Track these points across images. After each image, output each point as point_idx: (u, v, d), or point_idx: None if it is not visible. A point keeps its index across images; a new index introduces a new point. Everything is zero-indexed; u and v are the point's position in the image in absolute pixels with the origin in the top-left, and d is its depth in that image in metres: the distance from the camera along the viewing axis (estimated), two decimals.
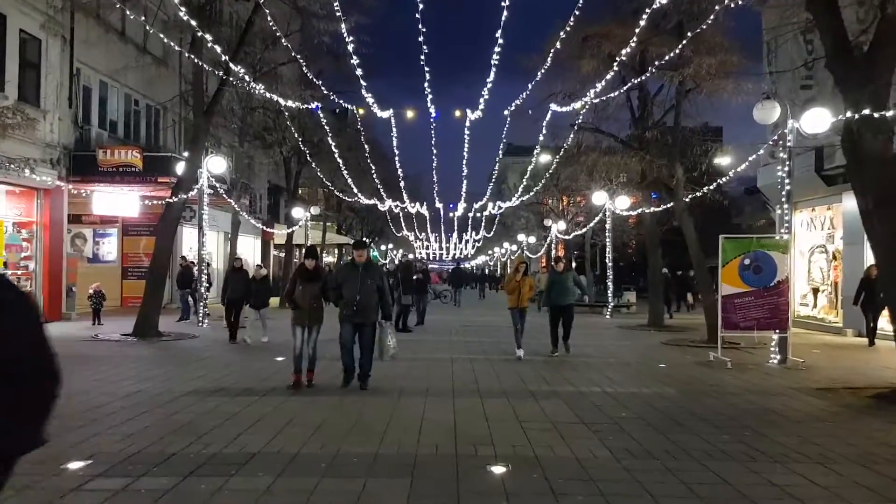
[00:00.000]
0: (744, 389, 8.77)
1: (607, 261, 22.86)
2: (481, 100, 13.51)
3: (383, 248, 61.24)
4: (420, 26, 11.59)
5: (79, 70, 19.59)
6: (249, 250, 34.63)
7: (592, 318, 22.57)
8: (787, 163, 11.43)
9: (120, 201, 20.47)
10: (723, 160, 21.01)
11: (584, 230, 26.93)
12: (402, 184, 29.72)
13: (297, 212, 26.58)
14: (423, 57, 12.19)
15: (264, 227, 28.93)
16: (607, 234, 22.59)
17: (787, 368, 10.73)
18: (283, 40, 16.76)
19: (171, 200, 14.30)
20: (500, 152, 23.91)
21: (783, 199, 11.49)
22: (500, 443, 5.77)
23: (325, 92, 16.37)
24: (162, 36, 15.07)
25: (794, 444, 5.91)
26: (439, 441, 5.80)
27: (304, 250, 8.01)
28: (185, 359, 10.95)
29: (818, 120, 10.90)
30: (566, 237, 30.94)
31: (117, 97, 21.80)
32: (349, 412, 6.98)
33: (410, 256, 40.80)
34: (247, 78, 14.59)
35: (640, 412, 7.22)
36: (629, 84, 14.20)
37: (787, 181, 11.44)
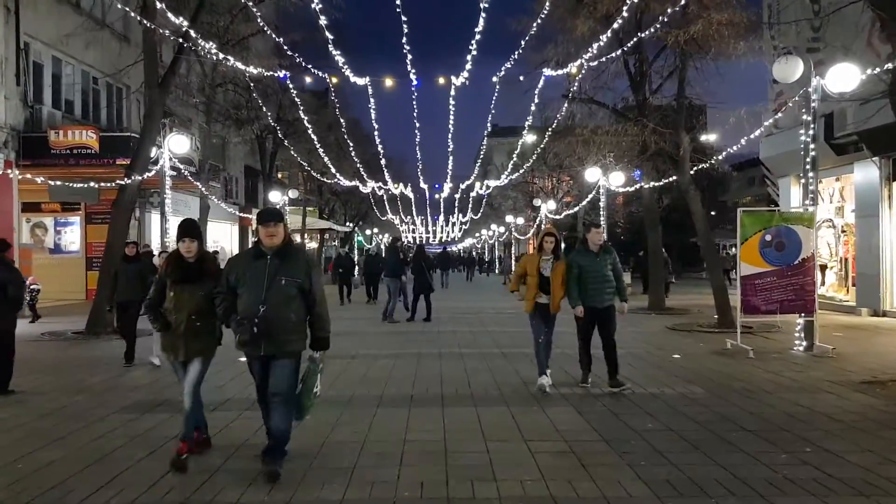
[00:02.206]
0: (778, 385, 7.59)
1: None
2: (467, 64, 12.12)
3: (368, 232, 59.75)
4: None
5: (27, 44, 17.90)
6: (226, 237, 33.10)
7: None
8: (812, 126, 10.19)
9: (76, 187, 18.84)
10: (710, 136, 19.83)
11: (577, 209, 25.67)
12: (382, 162, 28.20)
13: (274, 195, 25.04)
14: (399, 8, 10.73)
15: (241, 213, 27.34)
16: (601, 213, 21.35)
17: (815, 357, 9.59)
18: (251, 5, 15.22)
19: (123, 183, 12.81)
20: (488, 125, 22.45)
21: (807, 167, 10.26)
22: (503, 476, 4.51)
23: (299, 61, 14.84)
24: (109, 0, 13.49)
25: (872, 464, 4.72)
26: (425, 475, 4.54)
27: (178, 227, 4.98)
28: (136, 360, 9.58)
29: (846, 76, 9.70)
30: (556, 217, 29.72)
31: (73, 74, 20.09)
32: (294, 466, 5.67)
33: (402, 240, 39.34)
34: (206, 45, 13.02)
35: (668, 421, 6.00)
36: (629, 43, 12.82)
37: (811, 146, 10.21)
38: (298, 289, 4.50)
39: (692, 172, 13.90)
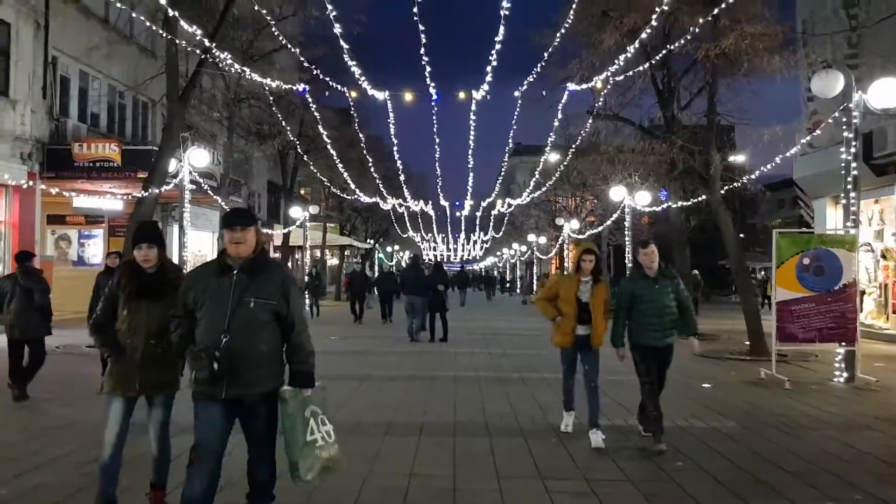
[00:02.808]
0: (818, 421, 7.02)
1: (627, 261, 21.07)
2: (487, 76, 11.80)
3: (389, 249, 59.63)
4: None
5: (55, 58, 18.11)
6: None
7: (612, 323, 20.81)
8: (854, 143, 9.65)
9: (99, 199, 18.94)
10: (739, 156, 19.19)
11: (601, 228, 25.13)
12: (402, 177, 27.99)
13: (295, 211, 24.97)
14: (419, 23, 10.51)
15: (264, 229, 27.31)
16: (626, 233, 20.81)
17: (857, 389, 8.95)
18: (270, 21, 15.21)
19: (141, 195, 12.70)
20: (509, 142, 22.12)
21: (849, 188, 9.70)
22: None
23: (318, 74, 14.71)
24: (135, 15, 13.54)
25: None
26: None
27: (134, 230, 4.14)
28: None
29: (890, 91, 9.16)
30: (580, 237, 29.18)
31: (100, 88, 20.30)
32: None
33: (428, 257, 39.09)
34: (227, 59, 12.95)
35: (699, 459, 5.49)
36: (657, 56, 12.39)
37: (853, 165, 9.66)
38: (272, 313, 3.49)
39: (722, 192, 13.36)
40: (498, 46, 11.22)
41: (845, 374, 9.33)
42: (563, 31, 11.89)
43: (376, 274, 35.21)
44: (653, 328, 5.86)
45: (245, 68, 13.51)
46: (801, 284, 9.58)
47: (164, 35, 12.48)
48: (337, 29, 11.22)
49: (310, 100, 16.87)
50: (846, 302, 9.55)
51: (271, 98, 17.24)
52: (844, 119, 9.76)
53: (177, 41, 12.14)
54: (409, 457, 5.40)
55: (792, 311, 9.59)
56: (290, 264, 34.22)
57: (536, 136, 45.73)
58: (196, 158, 15.92)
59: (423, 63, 11.23)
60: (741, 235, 48.91)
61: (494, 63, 11.25)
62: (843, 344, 9.53)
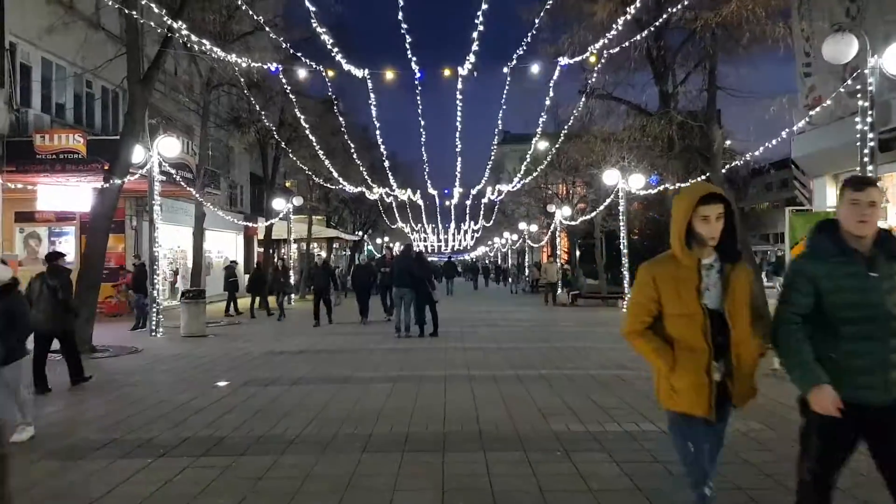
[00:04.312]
0: None
1: (622, 247, 20.37)
2: (472, 45, 10.92)
3: (379, 241, 58.67)
4: None
5: (13, 45, 17.02)
6: (231, 248, 32.12)
7: (608, 311, 20.17)
8: (870, 112, 8.90)
9: (67, 194, 17.94)
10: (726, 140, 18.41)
11: (594, 214, 24.36)
12: (386, 163, 27.08)
13: (278, 203, 24.03)
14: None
15: (246, 223, 26.27)
16: (621, 217, 20.09)
17: None
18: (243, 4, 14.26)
19: (102, 186, 11.78)
20: (499, 123, 21.25)
21: (865, 160, 8.97)
22: None
23: (293, 53, 13.80)
24: None
25: None
26: None
27: None
28: (101, 389, 8.45)
29: None
30: (572, 223, 28.42)
31: (66, 78, 19.21)
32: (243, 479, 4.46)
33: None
34: (196, 39, 11.98)
35: (725, 470, 4.72)
36: (654, 24, 11.57)
37: (869, 136, 8.92)
38: None
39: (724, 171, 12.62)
40: (481, 18, 10.33)
41: None
42: (551, 3, 11.03)
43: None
44: (866, 364, 2.79)
45: (215, 48, 12.51)
46: None
47: (123, 10, 11.47)
48: (311, 8, 10.27)
49: (283, 80, 15.88)
50: None
51: (242, 80, 16.24)
52: (859, 87, 9.01)
53: (136, 15, 11.15)
54: (389, 481, 4.58)
55: None
56: (277, 259, 33.26)
57: (525, 124, 44.96)
58: (166, 147, 15.00)
59: (403, 31, 10.29)
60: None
61: (481, 28, 10.35)
62: None
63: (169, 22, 11.58)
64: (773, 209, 59.97)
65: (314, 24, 11.72)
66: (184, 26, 11.36)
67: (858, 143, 9.01)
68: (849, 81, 9.48)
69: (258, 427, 6.12)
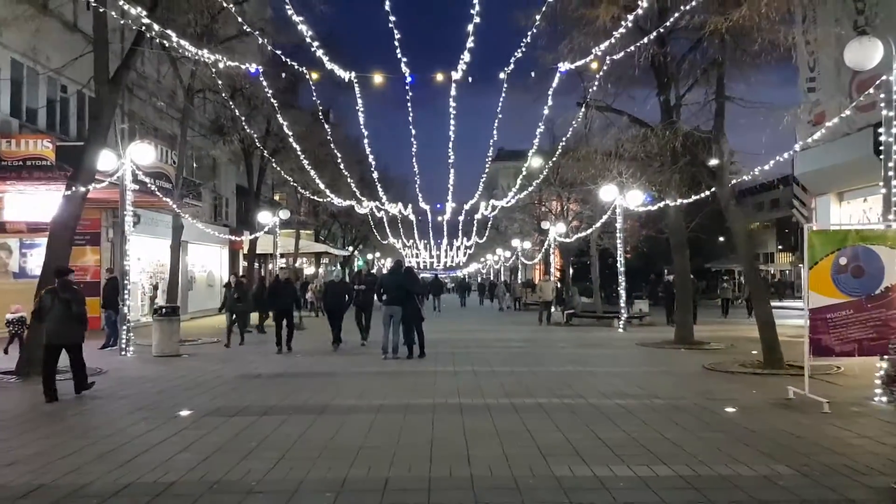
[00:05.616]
0: (886, 458, 5.54)
1: (619, 265, 19.67)
2: (466, 46, 10.23)
3: (370, 256, 57.79)
4: None
5: None
6: (215, 261, 31.17)
7: (604, 331, 19.42)
8: (895, 122, 8.27)
9: (37, 203, 17.04)
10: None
11: (590, 231, 23.70)
12: (374, 174, 26.32)
13: (264, 216, 23.16)
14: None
15: (231, 236, 25.29)
16: (618, 234, 19.43)
17: None
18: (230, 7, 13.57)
19: (65, 194, 10.95)
20: (494, 134, 20.62)
21: (889, 174, 8.32)
22: None
23: (272, 51, 13.09)
24: None
25: None
26: None
27: None
28: (45, 418, 7.56)
29: None
30: (567, 240, 27.74)
31: (38, 81, 18.36)
32: None
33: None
34: (172, 35, 11.19)
35: None
36: (660, 28, 10.94)
37: (894, 146, 8.28)
38: None
39: (731, 185, 11.95)
40: (476, 20, 9.66)
41: (888, 394, 7.90)
42: (550, 1, 10.39)
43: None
44: None
45: (191, 47, 11.75)
46: (837, 288, 8.16)
47: (90, 2, 10.68)
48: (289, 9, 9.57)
49: (265, 85, 15.12)
50: (889, 308, 8.14)
51: (222, 84, 15.47)
52: (883, 94, 8.38)
53: (102, 9, 10.38)
54: None
55: (827, 319, 8.15)
56: (263, 274, 32.30)
57: (520, 140, 44.50)
58: (139, 154, 14.17)
59: (391, 28, 9.57)
60: (721, 239, 47.76)
61: (477, 19, 9.65)
62: (885, 357, 8.13)
63: (142, 18, 10.81)
64: (765, 229, 59.70)
65: (300, 26, 10.98)
66: (155, 26, 10.56)
67: (882, 157, 8.38)
68: (861, 98, 8.84)
69: (215, 469, 5.28)
